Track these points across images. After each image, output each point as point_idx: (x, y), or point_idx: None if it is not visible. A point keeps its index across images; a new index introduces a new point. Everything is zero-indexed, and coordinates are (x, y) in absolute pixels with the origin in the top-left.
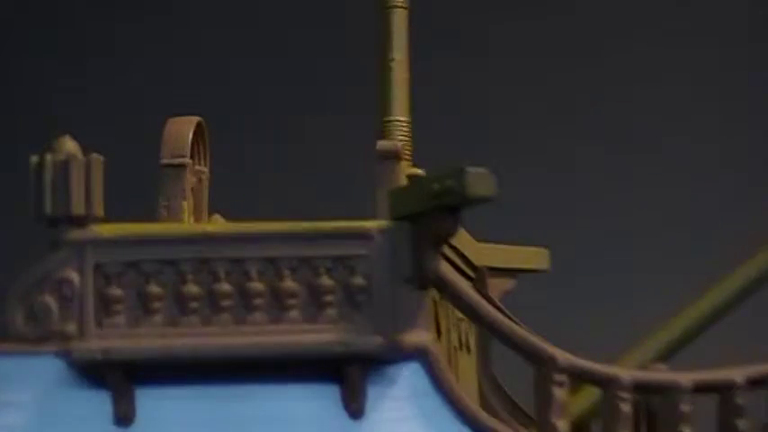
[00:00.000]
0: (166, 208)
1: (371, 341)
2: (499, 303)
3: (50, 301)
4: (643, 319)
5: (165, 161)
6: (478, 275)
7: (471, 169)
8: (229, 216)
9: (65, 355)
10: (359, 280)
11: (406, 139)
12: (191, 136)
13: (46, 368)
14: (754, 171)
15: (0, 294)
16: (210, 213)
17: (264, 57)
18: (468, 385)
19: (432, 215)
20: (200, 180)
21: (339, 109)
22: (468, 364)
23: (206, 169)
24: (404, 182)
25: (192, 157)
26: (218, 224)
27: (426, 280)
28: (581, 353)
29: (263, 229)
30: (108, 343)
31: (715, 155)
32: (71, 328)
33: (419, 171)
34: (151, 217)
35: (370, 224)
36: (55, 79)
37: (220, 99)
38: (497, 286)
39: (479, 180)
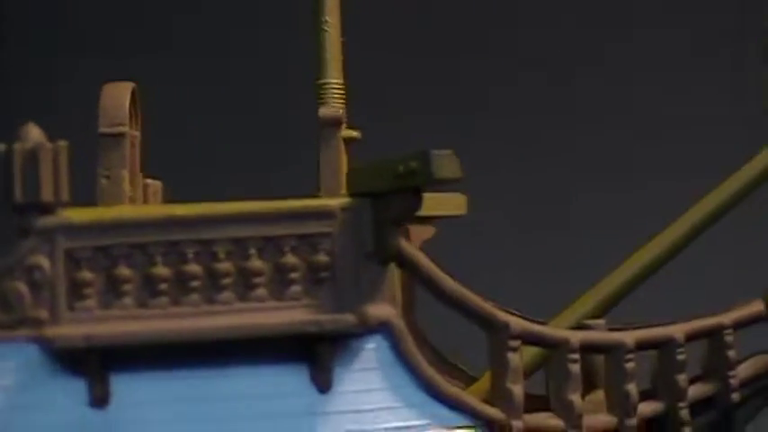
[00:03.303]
0: (107, 177)
1: (344, 320)
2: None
3: (22, 287)
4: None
5: (104, 130)
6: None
7: (436, 152)
8: (164, 180)
9: (44, 343)
10: (322, 257)
11: (341, 101)
12: (128, 103)
13: (20, 354)
14: None
15: None
16: (144, 177)
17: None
18: None
19: (395, 194)
20: (132, 144)
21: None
22: None
23: (138, 133)
24: (341, 147)
25: None
26: (186, 207)
27: (388, 256)
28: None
29: (229, 211)
30: (84, 328)
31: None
32: (43, 313)
33: (354, 133)
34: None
35: (333, 202)
36: None
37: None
38: (417, 235)
39: (445, 162)
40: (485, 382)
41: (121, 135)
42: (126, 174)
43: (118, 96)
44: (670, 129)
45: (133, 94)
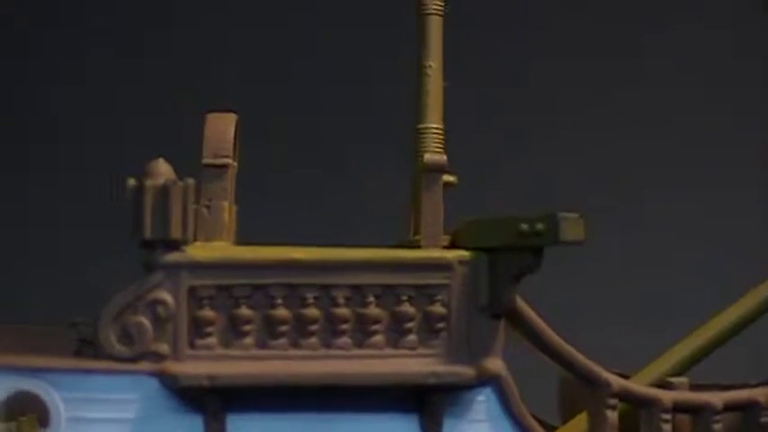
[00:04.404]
0: (208, 207)
1: (464, 373)
2: None
3: (145, 321)
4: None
5: (207, 161)
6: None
7: (563, 215)
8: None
9: (167, 379)
10: (438, 308)
11: (440, 146)
12: (232, 135)
13: (141, 387)
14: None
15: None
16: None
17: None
18: None
19: (516, 252)
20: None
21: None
22: None
23: (235, 163)
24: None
25: None
26: (307, 251)
27: (502, 310)
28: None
29: (350, 257)
30: (205, 366)
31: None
32: (165, 348)
33: (451, 178)
34: None
35: (451, 255)
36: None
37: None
38: None
39: (571, 225)
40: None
41: (224, 167)
42: (226, 205)
43: (222, 128)
44: None
45: (236, 125)
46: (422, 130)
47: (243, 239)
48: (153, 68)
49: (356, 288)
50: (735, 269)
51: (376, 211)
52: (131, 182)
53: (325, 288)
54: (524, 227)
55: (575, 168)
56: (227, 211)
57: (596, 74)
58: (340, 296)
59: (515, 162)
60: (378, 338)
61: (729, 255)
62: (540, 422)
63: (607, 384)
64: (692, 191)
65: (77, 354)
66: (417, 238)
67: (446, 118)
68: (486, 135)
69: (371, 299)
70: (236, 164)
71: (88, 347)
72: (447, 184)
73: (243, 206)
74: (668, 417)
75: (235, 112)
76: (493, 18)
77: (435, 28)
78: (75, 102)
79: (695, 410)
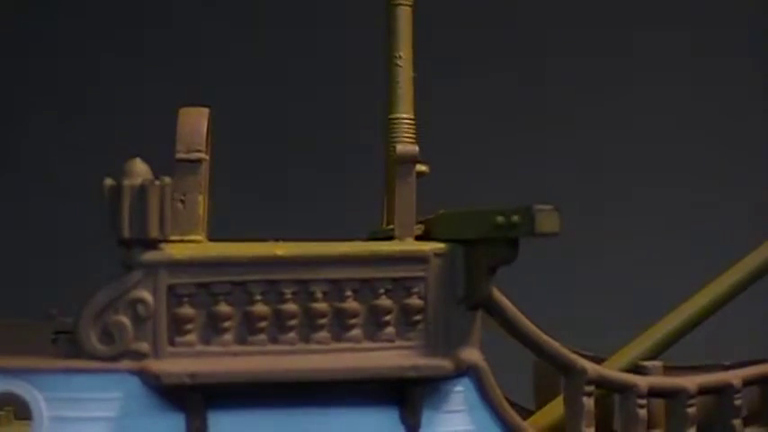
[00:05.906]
0: (182, 202)
1: (442, 365)
2: None
3: (125, 320)
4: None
5: (181, 155)
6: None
7: (539, 207)
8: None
9: (148, 378)
10: (415, 300)
11: (412, 136)
12: (205, 129)
13: (122, 386)
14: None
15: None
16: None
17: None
18: None
19: (492, 244)
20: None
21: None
22: None
23: (207, 157)
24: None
25: None
26: (285, 247)
27: (479, 302)
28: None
29: (327, 252)
30: (185, 363)
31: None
32: (145, 346)
33: (423, 167)
34: None
35: (427, 247)
36: None
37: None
38: None
39: (547, 217)
40: (543, 417)
41: (198, 161)
42: (201, 199)
43: (195, 122)
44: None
45: (209, 118)
46: (393, 121)
47: (236, 237)
48: (153, 68)
49: (334, 282)
50: (721, 265)
51: (372, 209)
52: (108, 182)
53: (303, 283)
54: (500, 219)
55: (563, 166)
56: (201, 205)
57: (585, 71)
58: (318, 291)
59: (503, 159)
60: (356, 332)
61: (715, 251)
62: (514, 406)
63: (583, 372)
64: (679, 188)
65: (53, 343)
66: (391, 227)
67: (435, 112)
68: (474, 131)
69: (349, 293)
70: (208, 157)
71: (65, 342)
72: (419, 173)
73: (238, 204)
74: (644, 402)
75: (232, 111)
76: (482, 12)
77: (405, 19)
78: (75, 101)
79: (670, 395)
